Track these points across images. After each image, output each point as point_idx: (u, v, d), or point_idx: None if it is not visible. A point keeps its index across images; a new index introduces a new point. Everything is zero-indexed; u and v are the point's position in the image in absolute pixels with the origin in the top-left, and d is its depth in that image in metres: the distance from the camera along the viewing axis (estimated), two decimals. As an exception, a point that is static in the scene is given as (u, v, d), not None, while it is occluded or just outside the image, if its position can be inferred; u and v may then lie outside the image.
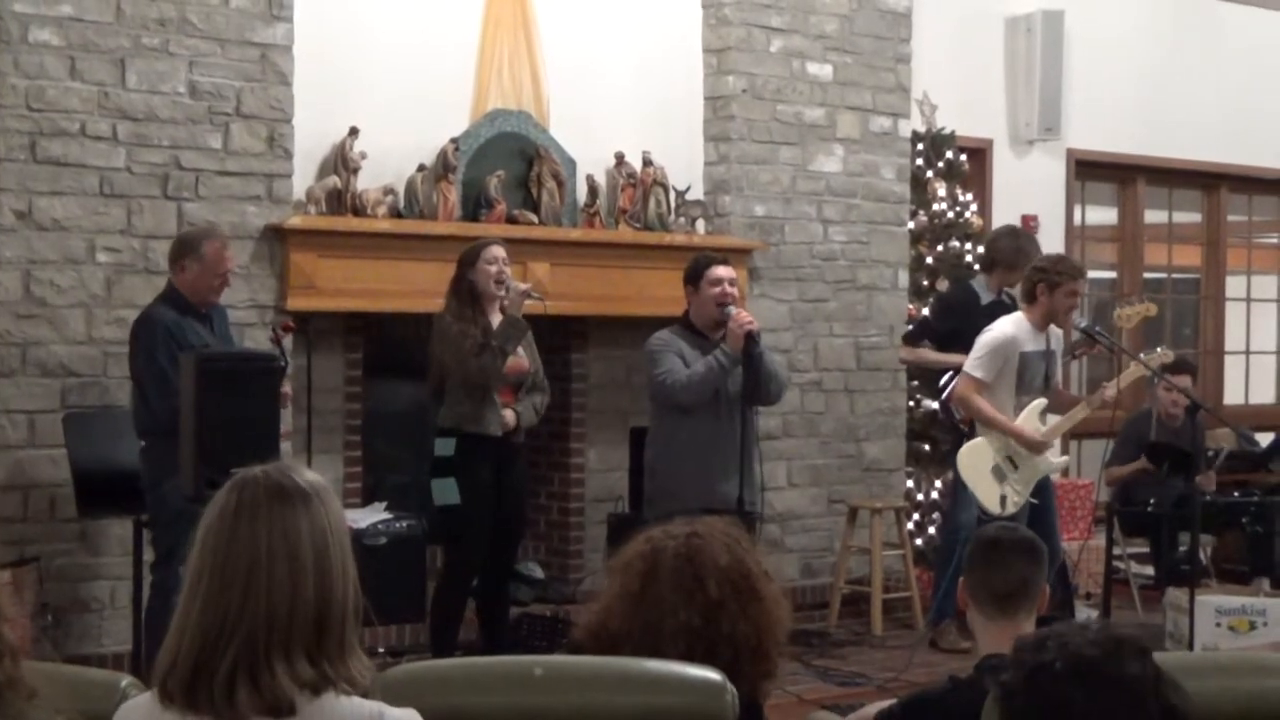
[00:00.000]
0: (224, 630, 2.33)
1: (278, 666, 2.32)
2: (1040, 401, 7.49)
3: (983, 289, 8.40)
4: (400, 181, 7.67)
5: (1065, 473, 10.76)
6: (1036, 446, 7.43)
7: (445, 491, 6.73)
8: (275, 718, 2.31)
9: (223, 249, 6.45)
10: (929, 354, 8.60)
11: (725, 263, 6.87)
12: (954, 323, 8.28)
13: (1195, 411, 7.85)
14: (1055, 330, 7.65)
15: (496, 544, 6.86)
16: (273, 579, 2.34)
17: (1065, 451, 10.89)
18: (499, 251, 6.78)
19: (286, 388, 6.48)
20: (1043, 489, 7.62)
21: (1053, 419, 7.64)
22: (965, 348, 7.66)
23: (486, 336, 6.66)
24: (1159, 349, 8.17)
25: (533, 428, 7.09)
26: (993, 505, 7.37)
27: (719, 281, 6.72)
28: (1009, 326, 7.52)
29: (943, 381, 8.32)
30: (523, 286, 6.79)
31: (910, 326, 9.05)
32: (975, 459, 7.47)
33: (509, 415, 6.77)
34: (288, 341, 6.75)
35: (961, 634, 7.49)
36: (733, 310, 6.69)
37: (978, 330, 7.61)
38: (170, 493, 5.97)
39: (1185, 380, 8.89)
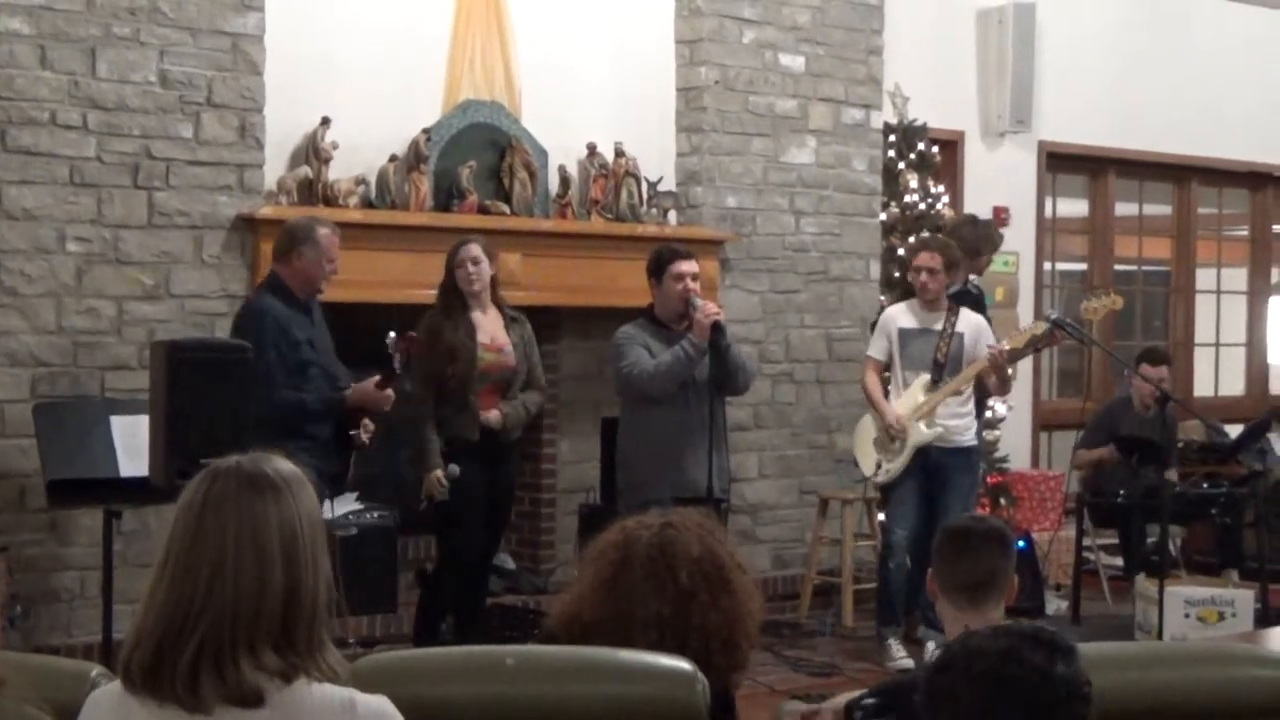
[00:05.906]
0: (189, 619, 2.31)
1: (242, 657, 2.30)
2: (924, 377, 7.61)
3: (950, 279, 8.42)
4: (372, 172, 7.65)
5: (1035, 463, 10.81)
6: (888, 424, 7.59)
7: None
8: (243, 707, 2.30)
9: (334, 235, 6.46)
10: None
11: (687, 257, 6.89)
12: None
13: (1165, 403, 7.87)
14: (971, 316, 7.69)
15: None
16: (239, 569, 2.32)
17: (1034, 442, 10.96)
18: (474, 250, 6.80)
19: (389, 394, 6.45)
20: (944, 466, 7.62)
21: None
22: None
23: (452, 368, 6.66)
24: (1102, 297, 8.25)
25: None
26: (869, 470, 7.80)
27: (682, 278, 6.78)
28: (891, 308, 7.96)
29: None
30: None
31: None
32: (863, 429, 7.88)
33: (494, 415, 6.79)
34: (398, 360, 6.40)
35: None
36: (698, 301, 6.73)
37: None
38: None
39: (1163, 371, 8.91)
